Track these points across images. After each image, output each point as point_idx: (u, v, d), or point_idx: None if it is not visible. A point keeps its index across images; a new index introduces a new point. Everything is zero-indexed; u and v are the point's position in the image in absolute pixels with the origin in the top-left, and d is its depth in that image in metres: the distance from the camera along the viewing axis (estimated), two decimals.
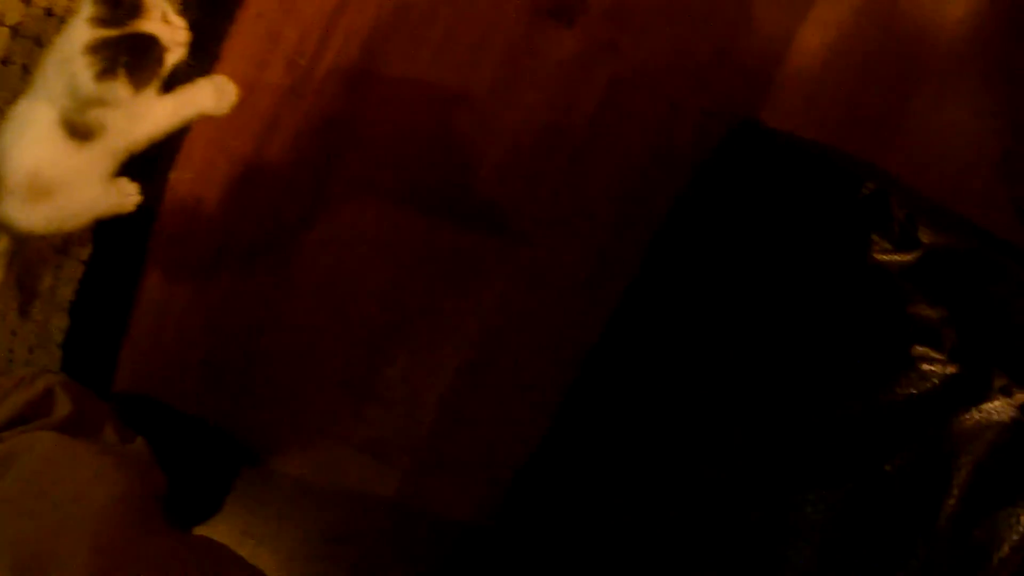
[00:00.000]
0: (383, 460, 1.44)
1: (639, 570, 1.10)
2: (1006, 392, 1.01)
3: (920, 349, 1.02)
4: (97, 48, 1.21)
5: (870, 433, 1.00)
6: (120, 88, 1.22)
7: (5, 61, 1.44)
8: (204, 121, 1.39)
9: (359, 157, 1.40)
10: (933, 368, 1.01)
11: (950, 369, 1.01)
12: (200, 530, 1.46)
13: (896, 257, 1.09)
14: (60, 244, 1.47)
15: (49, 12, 1.44)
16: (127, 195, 1.41)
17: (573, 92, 1.38)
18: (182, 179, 1.43)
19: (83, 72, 1.21)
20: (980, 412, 1.00)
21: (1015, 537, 0.96)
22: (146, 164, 1.37)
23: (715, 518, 1.04)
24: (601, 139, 1.39)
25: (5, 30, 1.44)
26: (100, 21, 1.23)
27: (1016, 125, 1.34)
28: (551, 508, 1.26)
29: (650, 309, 1.25)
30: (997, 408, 1.00)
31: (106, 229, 1.43)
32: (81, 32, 1.23)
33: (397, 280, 1.43)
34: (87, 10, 1.23)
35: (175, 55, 1.28)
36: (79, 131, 1.26)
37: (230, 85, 1.39)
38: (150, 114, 1.31)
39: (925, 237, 1.12)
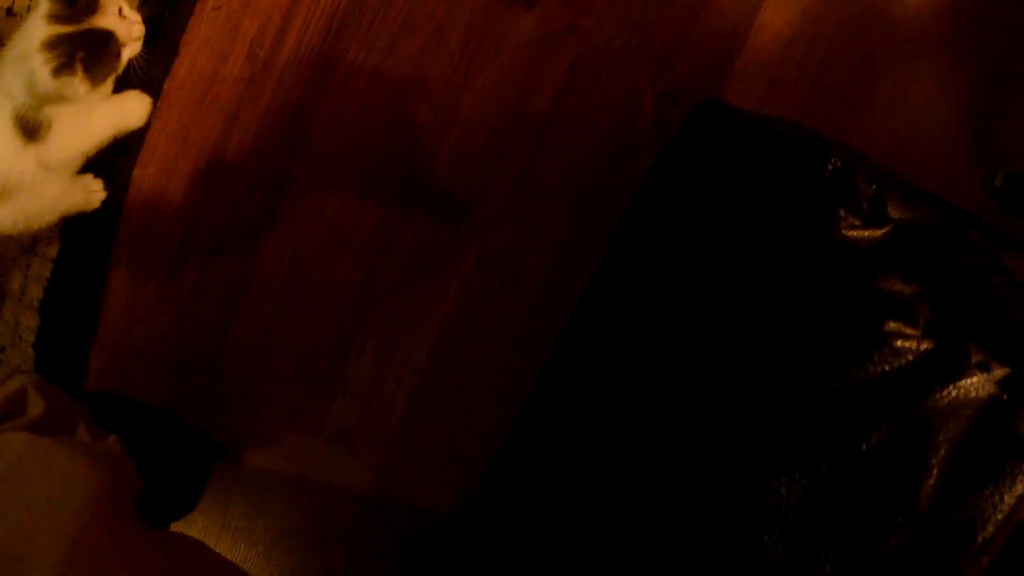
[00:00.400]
0: (356, 452, 1.36)
1: (613, 556, 1.01)
2: (983, 367, 0.93)
3: (893, 325, 0.92)
4: (54, 44, 1.14)
5: (844, 412, 0.91)
6: (78, 84, 1.15)
7: None
8: (166, 115, 1.31)
9: (320, 147, 1.31)
10: (907, 344, 0.92)
11: (925, 345, 0.92)
12: (178, 526, 1.39)
13: (865, 233, 1.00)
14: (28, 243, 1.38)
15: (9, 11, 1.35)
16: (92, 192, 1.33)
17: (534, 76, 1.30)
18: (146, 174, 1.33)
19: (41, 69, 1.13)
20: (957, 388, 0.91)
21: (999, 516, 0.88)
22: (110, 160, 1.29)
23: (688, 502, 0.96)
24: (563, 122, 1.30)
25: None
26: (57, 17, 1.15)
27: (985, 102, 1.26)
28: (524, 495, 1.18)
29: (619, 291, 1.17)
30: (975, 384, 0.92)
31: (73, 226, 1.35)
32: (38, 28, 1.15)
33: (362, 270, 1.34)
34: (44, 6, 1.16)
35: (131, 50, 1.21)
36: (31, 130, 1.18)
37: (144, 97, 1.31)
38: (87, 127, 1.24)
39: (894, 212, 1.04)
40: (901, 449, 0.89)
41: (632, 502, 0.98)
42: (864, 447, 0.90)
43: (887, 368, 0.91)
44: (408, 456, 1.36)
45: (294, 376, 1.35)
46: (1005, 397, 0.91)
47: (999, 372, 0.93)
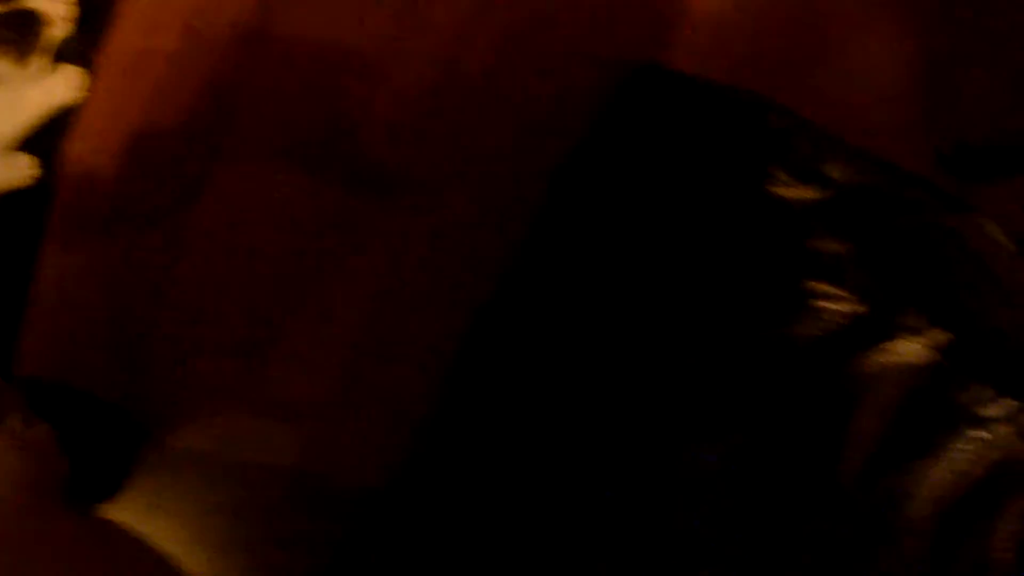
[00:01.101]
0: (284, 427, 1.28)
1: (533, 535, 0.92)
2: (918, 331, 0.83)
3: (824, 286, 0.83)
4: None
5: (766, 377, 0.82)
6: (1, 64, 1.09)
7: None
8: (100, 90, 1.24)
9: (253, 120, 1.24)
10: (837, 307, 0.82)
11: (856, 308, 0.83)
12: (107, 511, 1.30)
13: (801, 193, 0.91)
14: None
15: None
16: (23, 169, 1.27)
17: (468, 42, 1.21)
18: (78, 149, 1.26)
19: None
20: (890, 355, 0.81)
21: (930, 494, 0.78)
22: (41, 136, 1.22)
23: (600, 473, 0.86)
24: (497, 91, 1.21)
25: None
26: None
27: (936, 67, 1.17)
28: (450, 466, 1.07)
29: (544, 259, 1.08)
30: (911, 350, 0.82)
31: (3, 205, 1.28)
32: None
33: (292, 243, 1.26)
34: None
35: (60, 30, 1.15)
36: None
37: (78, 73, 1.24)
38: (18, 106, 1.18)
39: (834, 173, 0.94)
40: (825, 419, 0.79)
41: (546, 472, 0.89)
42: (786, 415, 0.80)
43: (815, 332, 0.82)
44: (339, 429, 1.27)
45: (223, 351, 1.27)
46: (944, 364, 0.81)
47: (939, 337, 0.83)
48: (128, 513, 1.21)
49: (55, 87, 1.22)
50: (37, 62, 1.15)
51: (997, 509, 0.79)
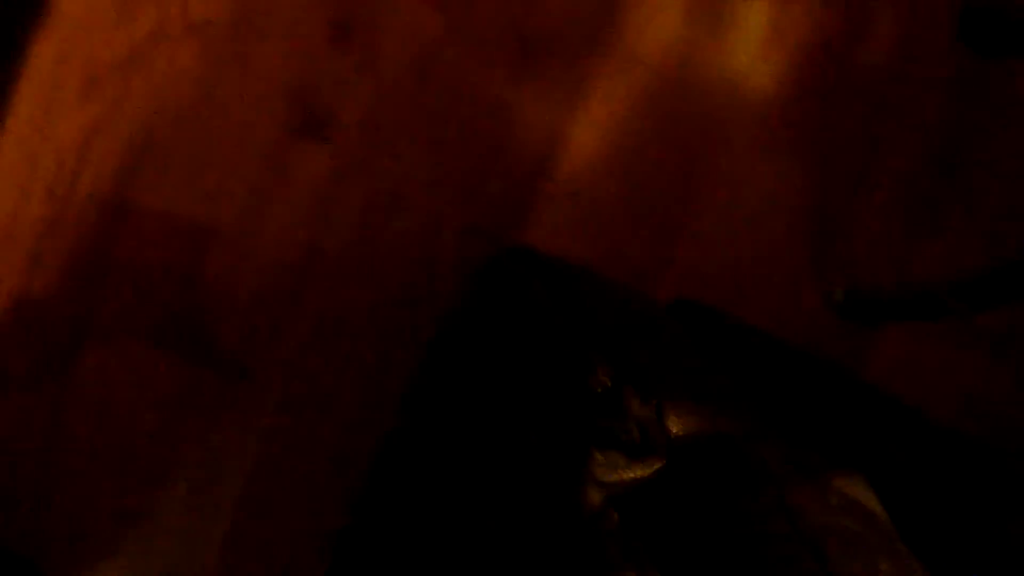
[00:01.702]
0: None
1: None
2: None
3: None
4: None
5: None
6: None
7: None
8: None
9: (118, 295, 1.18)
10: None
11: None
12: None
13: (631, 474, 0.78)
14: None
15: None
16: None
17: (328, 213, 1.12)
18: None
19: None
20: None
21: None
22: None
23: None
24: (359, 264, 1.13)
25: None
26: None
27: (824, 213, 1.02)
28: None
29: (401, 462, 0.99)
30: None
31: None
32: None
33: (156, 418, 1.22)
34: None
35: None
36: None
37: None
38: None
39: (674, 426, 0.82)
40: None
41: None
42: None
43: None
44: None
45: (111, 517, 1.25)
46: None
47: None
48: None
49: None
50: None
51: None
